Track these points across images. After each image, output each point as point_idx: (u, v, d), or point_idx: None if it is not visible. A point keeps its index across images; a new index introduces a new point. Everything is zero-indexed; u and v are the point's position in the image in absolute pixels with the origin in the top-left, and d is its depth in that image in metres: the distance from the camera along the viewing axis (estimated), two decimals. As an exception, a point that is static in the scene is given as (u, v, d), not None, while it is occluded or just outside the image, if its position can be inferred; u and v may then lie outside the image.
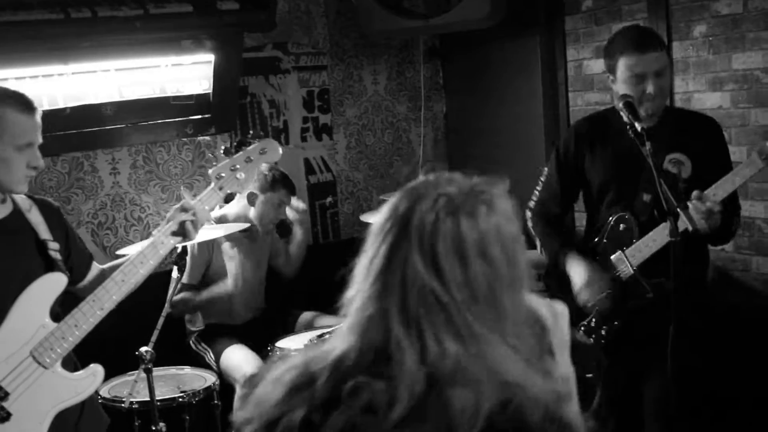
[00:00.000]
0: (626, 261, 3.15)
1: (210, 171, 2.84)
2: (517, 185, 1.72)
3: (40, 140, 2.55)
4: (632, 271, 3.15)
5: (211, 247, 4.14)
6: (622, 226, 3.19)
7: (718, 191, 3.00)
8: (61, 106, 4.17)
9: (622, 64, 3.08)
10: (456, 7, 4.65)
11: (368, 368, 1.29)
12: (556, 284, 3.34)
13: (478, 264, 1.31)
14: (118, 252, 3.66)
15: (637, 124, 2.92)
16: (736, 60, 3.97)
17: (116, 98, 4.34)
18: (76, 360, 2.68)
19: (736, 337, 3.88)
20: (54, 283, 2.58)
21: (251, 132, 2.94)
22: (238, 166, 2.82)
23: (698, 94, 4.13)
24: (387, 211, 1.39)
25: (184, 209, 2.71)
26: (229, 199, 4.28)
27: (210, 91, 4.62)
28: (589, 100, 4.75)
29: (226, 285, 4.13)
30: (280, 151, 2.93)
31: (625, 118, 3.04)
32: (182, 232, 2.70)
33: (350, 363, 1.32)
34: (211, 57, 4.51)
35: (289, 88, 5.11)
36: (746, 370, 3.84)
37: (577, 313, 3.25)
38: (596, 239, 3.26)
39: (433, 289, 1.28)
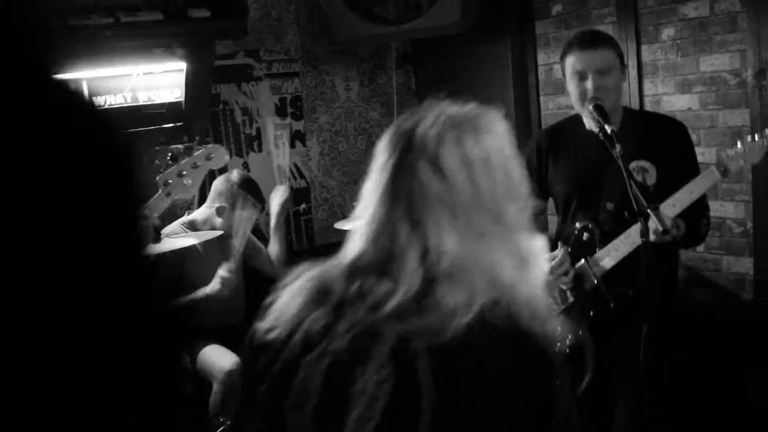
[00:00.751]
0: (589, 270, 3.14)
1: (157, 177, 2.87)
2: None
3: None
4: (594, 282, 3.13)
5: (181, 258, 4.06)
6: (585, 235, 3.17)
7: (676, 204, 2.98)
8: (31, 115, 4.14)
9: (567, 63, 3.13)
10: (427, 13, 4.67)
11: (377, 270, 1.39)
12: None
13: (481, 172, 1.40)
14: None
15: (607, 127, 2.93)
16: (703, 62, 4.01)
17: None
18: None
19: (708, 337, 3.92)
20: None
21: (197, 138, 2.98)
22: (185, 172, 2.86)
23: (667, 97, 4.17)
24: (390, 132, 1.52)
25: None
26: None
27: (182, 99, 4.61)
28: (560, 104, 4.78)
29: (205, 290, 4.08)
30: (227, 157, 2.99)
31: (592, 123, 3.06)
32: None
33: (362, 265, 1.42)
34: (182, 65, 4.50)
35: (262, 96, 5.11)
36: (718, 369, 3.87)
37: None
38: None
39: (438, 192, 1.38)
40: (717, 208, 3.89)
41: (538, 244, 1.53)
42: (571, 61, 3.11)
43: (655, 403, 2.85)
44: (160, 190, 2.84)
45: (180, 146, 2.93)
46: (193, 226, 4.21)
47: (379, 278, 1.38)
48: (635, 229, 3.02)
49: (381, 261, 1.40)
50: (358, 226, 1.47)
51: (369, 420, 1.28)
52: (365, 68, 5.53)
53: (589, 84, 3.06)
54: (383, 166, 1.47)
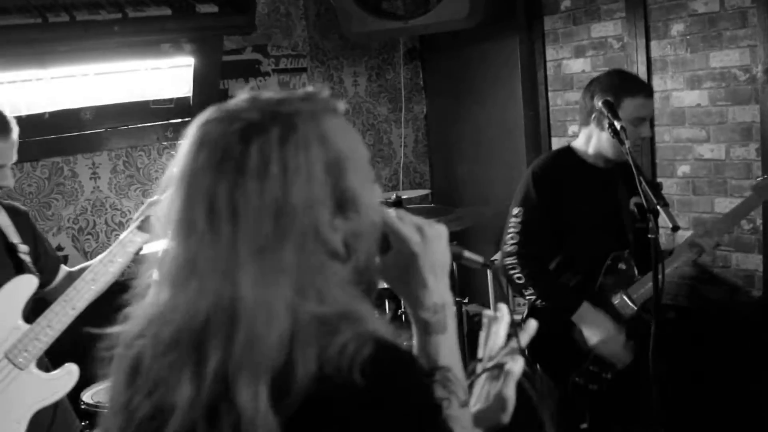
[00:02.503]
0: (628, 301, 3.13)
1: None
2: (498, 184, 1.73)
3: (13, 159, 2.55)
4: (635, 310, 3.13)
5: None
6: (621, 265, 3.16)
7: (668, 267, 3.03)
8: (39, 111, 4.14)
9: (630, 105, 3.08)
10: (435, 8, 4.66)
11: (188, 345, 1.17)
12: (545, 334, 3.28)
13: (259, 210, 1.15)
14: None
15: (616, 123, 2.93)
16: (713, 58, 3.99)
17: (95, 102, 4.32)
18: (47, 361, 2.68)
19: (717, 334, 3.91)
20: (25, 285, 2.59)
21: None
22: None
23: (676, 93, 4.15)
24: (186, 143, 1.26)
25: (150, 206, 2.75)
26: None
27: (190, 94, 4.60)
28: (569, 100, 4.77)
29: None
30: None
31: (583, 147, 3.13)
32: (148, 229, 2.73)
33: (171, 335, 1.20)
34: (190, 60, 4.50)
35: (270, 91, 5.08)
36: (727, 367, 3.86)
37: (572, 360, 3.21)
38: (592, 284, 3.18)
39: (207, 242, 1.17)
40: (726, 205, 3.87)
41: (434, 230, 1.35)
42: (637, 104, 3.10)
43: (665, 402, 2.84)
44: None
45: None
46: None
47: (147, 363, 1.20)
48: (683, 247, 3.11)
49: (178, 322, 1.18)
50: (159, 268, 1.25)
51: None
52: (373, 64, 5.52)
53: (646, 130, 3.14)
54: (176, 182, 1.24)
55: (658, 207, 2.73)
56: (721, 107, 4.00)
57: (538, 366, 3.31)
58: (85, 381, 3.56)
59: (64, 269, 2.89)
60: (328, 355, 1.10)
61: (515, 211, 3.21)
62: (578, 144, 3.28)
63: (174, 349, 1.16)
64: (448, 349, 1.32)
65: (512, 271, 3.18)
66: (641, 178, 2.78)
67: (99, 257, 2.73)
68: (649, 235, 2.71)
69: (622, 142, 2.88)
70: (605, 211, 3.13)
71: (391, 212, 1.33)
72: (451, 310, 1.35)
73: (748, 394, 3.80)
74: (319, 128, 1.22)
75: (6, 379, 2.49)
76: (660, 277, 2.69)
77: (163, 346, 1.17)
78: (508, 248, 3.20)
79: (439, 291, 1.33)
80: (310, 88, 1.30)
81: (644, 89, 3.16)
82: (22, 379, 2.52)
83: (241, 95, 1.30)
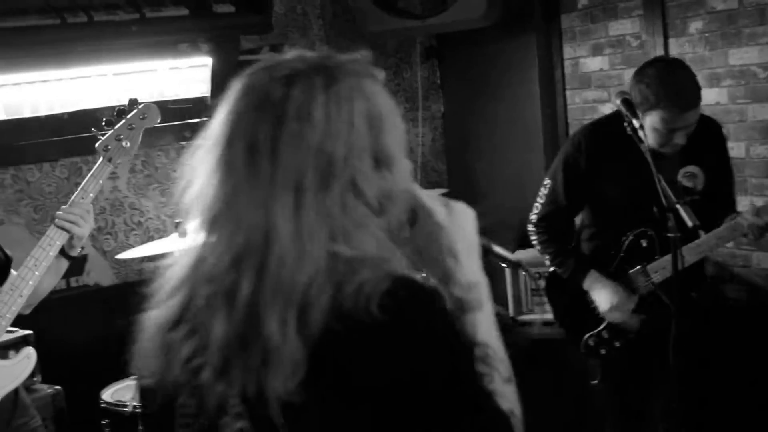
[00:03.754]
0: (647, 276, 3.17)
1: (96, 145, 2.89)
2: (516, 182, 1.74)
3: None
4: (653, 287, 3.18)
5: None
6: (643, 242, 3.18)
7: (701, 247, 3.10)
8: (58, 111, 4.17)
9: (657, 117, 2.94)
10: (452, 6, 4.65)
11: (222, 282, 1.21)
12: (567, 299, 3.38)
13: (292, 152, 1.18)
14: (117, 257, 3.66)
15: (634, 121, 2.91)
16: (732, 56, 3.97)
17: (114, 103, 4.34)
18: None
19: (738, 333, 3.88)
20: None
21: (128, 99, 2.98)
22: (122, 135, 2.88)
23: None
24: (230, 92, 1.32)
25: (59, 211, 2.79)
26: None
27: (207, 94, 4.62)
28: (587, 98, 4.75)
29: None
30: (159, 114, 3.01)
31: (625, 121, 3.02)
32: (64, 228, 2.75)
33: (207, 273, 1.24)
34: (207, 60, 4.51)
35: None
36: (747, 367, 3.84)
37: (588, 325, 3.32)
38: (612, 253, 3.25)
39: (248, 181, 1.20)
40: (746, 204, 3.85)
41: (458, 207, 1.38)
42: (666, 118, 2.93)
43: (684, 400, 2.84)
44: (101, 157, 2.86)
45: (114, 110, 2.93)
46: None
47: (195, 296, 1.23)
48: (707, 236, 3.09)
49: (218, 256, 1.21)
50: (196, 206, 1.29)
51: None
52: (390, 62, 5.52)
53: (679, 138, 3.00)
54: (218, 125, 1.29)
55: (678, 205, 2.72)
56: (741, 105, 3.97)
57: (558, 323, 3.52)
58: (105, 380, 3.60)
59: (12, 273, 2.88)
60: (346, 292, 1.13)
61: (545, 181, 3.35)
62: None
63: (210, 284, 1.19)
64: (486, 327, 1.30)
65: (532, 237, 3.38)
66: (660, 176, 2.78)
67: (23, 263, 2.74)
68: (669, 234, 2.71)
69: (641, 141, 2.87)
70: (642, 186, 2.97)
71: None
72: (485, 289, 1.33)
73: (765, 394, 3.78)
74: (360, 85, 1.26)
75: None
76: (679, 269, 2.71)
77: (202, 285, 1.21)
78: (531, 216, 3.37)
79: (471, 268, 1.32)
80: (357, 54, 1.34)
81: (680, 103, 2.94)
82: None
83: (290, 52, 1.35)
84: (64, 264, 2.84)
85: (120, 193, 4.53)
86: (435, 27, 4.86)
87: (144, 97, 4.39)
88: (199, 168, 1.28)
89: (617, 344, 3.27)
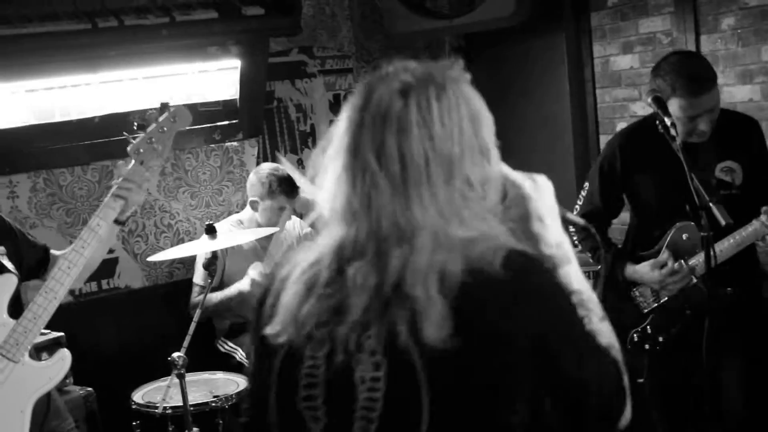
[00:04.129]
0: (689, 270, 3.18)
1: (128, 148, 2.94)
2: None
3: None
4: (695, 281, 3.19)
5: (224, 251, 4.16)
6: (685, 236, 3.20)
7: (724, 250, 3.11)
8: (89, 115, 4.20)
9: (675, 105, 3.04)
10: (480, 6, 4.64)
11: (361, 250, 1.44)
12: (614, 295, 3.38)
13: (441, 127, 1.43)
14: (149, 259, 3.68)
15: (666, 119, 2.90)
16: (765, 52, 3.92)
17: (144, 106, 4.37)
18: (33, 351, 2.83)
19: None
20: (5, 285, 2.74)
21: (160, 102, 3.00)
22: (153, 139, 2.91)
23: (728, 88, 4.08)
24: (348, 105, 1.52)
25: (111, 187, 2.89)
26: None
27: (237, 96, 4.64)
28: (617, 97, 4.71)
29: (238, 285, 4.15)
30: (190, 117, 3.05)
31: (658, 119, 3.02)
32: (121, 195, 2.85)
33: (347, 246, 1.46)
34: (237, 63, 4.53)
35: (316, 92, 5.11)
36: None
37: (635, 319, 3.34)
38: (655, 249, 3.28)
39: (377, 175, 1.42)
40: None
41: (539, 180, 1.64)
42: (683, 106, 3.03)
43: (719, 399, 2.81)
44: (133, 160, 2.90)
45: (145, 114, 2.97)
46: (242, 225, 4.31)
47: (348, 264, 1.44)
48: (745, 230, 3.10)
49: (349, 244, 1.45)
50: (331, 207, 1.49)
51: (372, 409, 1.38)
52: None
53: (702, 124, 3.06)
54: (342, 141, 1.49)
55: (711, 204, 2.70)
56: (774, 102, 3.93)
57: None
58: (136, 382, 3.62)
59: (54, 255, 3.04)
60: (474, 261, 1.36)
61: (585, 184, 3.47)
62: None
63: (360, 258, 1.42)
64: (576, 277, 1.57)
65: (573, 237, 3.35)
66: (692, 175, 2.76)
67: (72, 245, 2.83)
68: (702, 233, 2.69)
69: (673, 139, 2.85)
70: (675, 183, 3.00)
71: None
72: (569, 246, 1.60)
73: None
74: (461, 91, 1.51)
75: (3, 373, 2.64)
76: (712, 264, 2.70)
77: (347, 261, 1.44)
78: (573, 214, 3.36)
79: (555, 230, 1.59)
80: (449, 61, 1.57)
81: (695, 89, 3.03)
82: (18, 371, 2.66)
83: (392, 65, 1.55)
84: (115, 230, 2.98)
85: (150, 195, 4.55)
86: (463, 27, 4.85)
87: (174, 101, 4.43)
88: (328, 174, 1.50)
89: (660, 339, 3.29)
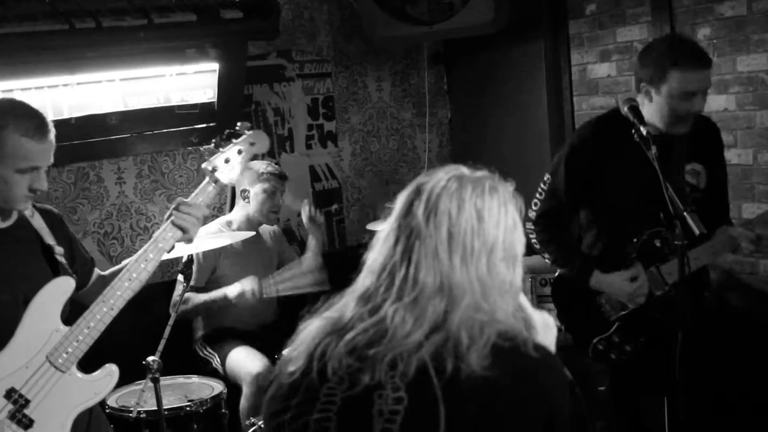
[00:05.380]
0: (660, 278, 3.14)
1: (203, 165, 2.86)
2: (523, 188, 1.76)
3: (49, 162, 2.57)
4: (665, 289, 3.15)
5: (217, 253, 4.16)
6: (657, 242, 3.15)
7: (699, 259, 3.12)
8: (66, 116, 4.17)
9: (676, 79, 2.95)
10: (459, 12, 4.65)
11: (381, 299, 1.58)
12: (574, 303, 3.35)
13: (470, 223, 1.58)
14: (124, 262, 3.66)
15: (642, 128, 2.90)
16: (740, 62, 3.96)
17: (121, 108, 4.35)
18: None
19: (744, 341, 3.86)
20: (63, 287, 2.60)
21: (239, 124, 2.95)
22: (230, 158, 2.85)
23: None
24: (409, 185, 1.67)
25: (179, 205, 2.75)
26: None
27: (214, 99, 4.62)
28: (594, 104, 4.74)
29: (226, 290, 4.13)
30: (268, 142, 2.98)
31: (632, 121, 3.01)
32: (180, 228, 2.73)
33: (368, 295, 1.61)
34: (215, 66, 4.51)
35: (294, 96, 5.11)
36: (755, 374, 3.82)
37: (596, 329, 3.28)
38: (624, 254, 3.21)
39: (426, 232, 1.57)
40: (753, 210, 3.84)
41: (549, 320, 1.73)
42: (687, 78, 2.95)
43: (691, 408, 2.82)
44: (207, 178, 2.84)
45: (224, 133, 2.90)
46: (230, 227, 4.30)
47: (382, 307, 1.57)
48: (720, 237, 3.10)
49: (382, 292, 1.59)
50: (369, 263, 1.66)
51: None
52: (397, 68, 5.52)
53: (698, 103, 3.01)
54: (394, 212, 1.65)
55: (685, 213, 2.71)
56: (749, 112, 3.96)
57: (563, 327, 3.40)
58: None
59: (96, 272, 2.91)
60: (504, 329, 1.53)
61: (545, 177, 3.31)
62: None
63: (395, 302, 1.56)
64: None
65: (530, 236, 3.30)
66: (667, 184, 2.76)
67: (135, 256, 2.74)
68: (676, 242, 2.70)
69: (648, 148, 2.85)
70: (646, 182, 2.96)
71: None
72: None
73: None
74: (509, 198, 1.66)
75: (49, 382, 2.51)
76: (685, 276, 2.70)
77: (378, 305, 1.58)
78: (530, 212, 3.30)
79: None
80: (498, 178, 1.71)
81: (694, 61, 2.97)
82: (64, 381, 2.53)
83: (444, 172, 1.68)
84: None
85: (127, 198, 4.53)
86: (442, 33, 4.87)
87: (151, 103, 4.42)
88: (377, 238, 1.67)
89: (628, 348, 3.24)
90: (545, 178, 3.30)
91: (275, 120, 5.04)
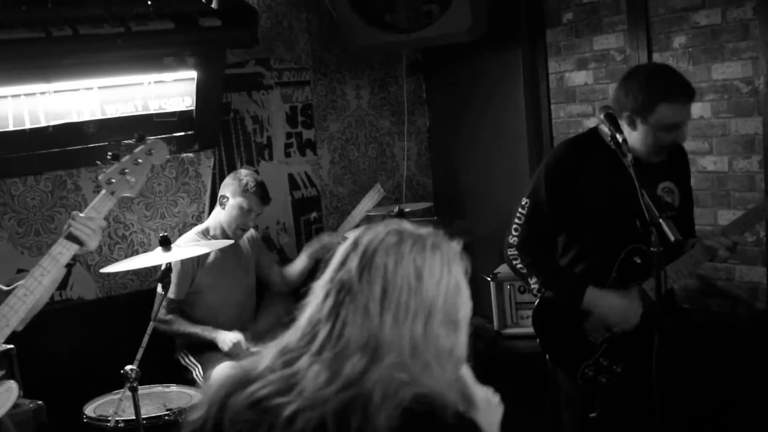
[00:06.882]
0: (645, 294, 3.11)
1: (100, 177, 2.86)
2: (501, 196, 1.78)
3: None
4: (649, 304, 3.10)
5: (195, 262, 4.14)
6: (637, 258, 3.12)
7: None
8: (43, 124, 4.15)
9: (665, 111, 2.97)
10: (437, 21, 4.67)
11: (297, 353, 1.53)
12: (550, 324, 3.32)
13: (407, 281, 1.51)
14: (102, 270, 3.64)
15: (618, 136, 2.91)
16: (715, 70, 4.00)
17: (99, 116, 4.33)
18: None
19: (721, 346, 3.89)
20: None
21: (136, 134, 2.95)
22: (127, 170, 2.84)
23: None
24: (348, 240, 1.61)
25: (75, 218, 2.74)
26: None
27: (193, 107, 4.61)
28: (572, 112, 4.77)
29: (219, 340, 4.11)
30: (167, 152, 2.99)
31: (606, 130, 3.03)
32: (76, 239, 2.71)
33: (287, 349, 1.56)
34: (193, 74, 4.50)
35: (272, 104, 5.11)
36: (731, 379, 3.85)
37: (583, 352, 3.24)
38: (604, 273, 3.17)
39: (358, 288, 1.51)
40: (729, 217, 3.87)
41: (494, 400, 1.69)
42: (673, 111, 2.98)
43: (668, 414, 2.83)
44: (104, 190, 2.82)
45: (121, 144, 2.90)
46: (207, 234, 4.29)
47: (298, 361, 1.51)
48: (698, 249, 3.10)
49: (302, 346, 1.53)
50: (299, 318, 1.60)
51: None
52: (376, 76, 5.53)
53: (681, 134, 3.05)
54: (330, 266, 1.59)
55: (660, 220, 2.73)
56: (724, 119, 4.00)
57: (547, 356, 3.36)
58: (88, 395, 3.58)
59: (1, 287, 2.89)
60: (424, 392, 1.45)
61: (524, 201, 3.24)
62: (605, 127, 3.06)
63: (314, 356, 1.51)
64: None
65: (514, 261, 3.23)
66: (643, 191, 2.78)
67: (31, 271, 2.71)
68: (652, 249, 2.71)
69: (624, 155, 2.87)
70: (626, 199, 2.92)
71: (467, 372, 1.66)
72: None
73: (751, 407, 3.79)
74: (453, 258, 1.58)
75: None
76: (663, 288, 2.70)
77: (295, 358, 1.53)
78: (511, 239, 3.24)
79: None
80: (442, 236, 1.62)
81: (683, 95, 3.01)
82: None
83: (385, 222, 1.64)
84: (62, 274, 2.83)
85: (104, 206, 4.51)
86: (421, 41, 4.88)
87: (129, 111, 4.40)
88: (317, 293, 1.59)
89: (618, 369, 3.20)
90: (523, 203, 3.24)
91: (254, 128, 5.03)
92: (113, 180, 2.82)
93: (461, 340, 1.56)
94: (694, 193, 3.47)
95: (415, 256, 1.53)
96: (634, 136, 3.06)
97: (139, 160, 2.85)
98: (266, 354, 1.57)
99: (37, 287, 2.65)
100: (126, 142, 2.92)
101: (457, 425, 1.44)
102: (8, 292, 2.76)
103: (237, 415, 1.49)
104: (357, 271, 1.52)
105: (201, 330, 4.15)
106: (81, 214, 2.76)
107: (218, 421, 1.51)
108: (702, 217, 4.08)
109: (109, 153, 2.91)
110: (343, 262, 1.56)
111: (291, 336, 1.57)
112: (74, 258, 2.79)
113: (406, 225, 1.61)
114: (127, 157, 2.86)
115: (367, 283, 1.50)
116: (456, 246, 1.62)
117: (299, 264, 4.57)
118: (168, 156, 2.98)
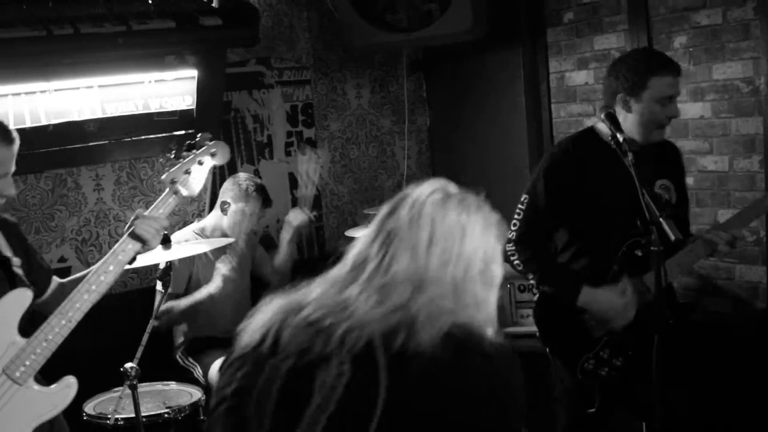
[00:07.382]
0: (645, 287, 3.11)
1: (163, 177, 2.83)
2: (502, 196, 1.80)
3: (12, 169, 2.55)
4: (650, 298, 3.07)
5: (192, 257, 4.15)
6: (638, 252, 3.06)
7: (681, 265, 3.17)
8: (43, 123, 4.15)
9: (657, 84, 3.05)
10: (438, 20, 4.67)
11: (346, 282, 1.65)
12: (550, 318, 3.32)
13: (450, 234, 1.62)
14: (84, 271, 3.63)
15: (619, 135, 2.92)
16: (716, 70, 4.00)
17: (99, 115, 4.32)
18: (40, 376, 2.65)
19: (721, 346, 3.90)
20: (20, 300, 2.57)
21: (199, 135, 2.92)
22: (190, 170, 2.82)
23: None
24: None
25: (139, 217, 2.73)
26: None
27: (193, 106, 4.61)
28: (572, 112, 4.77)
29: (208, 288, 4.12)
30: (229, 153, 2.96)
31: (605, 129, 3.04)
32: (140, 239, 2.71)
33: (336, 279, 1.67)
34: (194, 73, 4.50)
35: (273, 103, 5.11)
36: (731, 379, 3.85)
37: (583, 345, 3.24)
38: (606, 267, 3.18)
39: (405, 233, 1.63)
40: (728, 217, 3.86)
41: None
42: (666, 83, 3.06)
43: (668, 413, 2.83)
44: (167, 189, 2.81)
45: (184, 144, 2.87)
46: (203, 233, 4.29)
47: (347, 290, 1.63)
48: (699, 244, 3.11)
49: (351, 278, 1.65)
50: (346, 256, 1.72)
51: (324, 410, 1.51)
52: (376, 75, 5.53)
53: (674, 109, 3.11)
54: (378, 216, 1.71)
55: (661, 219, 2.73)
56: (725, 119, 4.00)
57: (548, 350, 3.36)
58: (87, 393, 3.58)
59: (56, 280, 2.88)
60: (464, 322, 1.58)
61: (523, 197, 3.26)
62: (603, 126, 3.13)
63: (365, 284, 1.63)
64: None
65: (512, 257, 3.24)
66: (644, 191, 2.78)
67: (93, 267, 2.71)
68: (652, 248, 2.71)
69: (625, 154, 2.87)
70: (625, 197, 2.95)
71: None
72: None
73: (750, 406, 3.79)
74: (492, 220, 1.71)
75: (5, 395, 2.47)
76: (663, 284, 2.70)
77: (345, 287, 1.66)
78: (509, 234, 3.25)
79: None
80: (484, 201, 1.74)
81: (673, 67, 3.10)
82: (21, 395, 2.49)
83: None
84: (122, 270, 2.81)
85: (105, 204, 4.51)
86: (421, 41, 4.89)
87: (129, 109, 4.40)
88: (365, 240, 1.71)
89: (618, 363, 3.19)
90: (522, 199, 3.26)
91: (254, 127, 5.04)
92: (176, 180, 2.80)
93: (492, 299, 1.67)
94: (694, 192, 3.47)
95: (461, 212, 1.64)
96: (630, 120, 3.11)
97: (202, 161, 2.84)
98: (315, 286, 1.68)
99: (101, 284, 2.65)
100: (189, 141, 2.90)
101: (495, 353, 1.56)
102: (66, 286, 2.77)
103: (294, 333, 1.60)
104: (406, 219, 1.63)
105: (197, 294, 4.14)
106: (145, 213, 2.75)
107: (276, 339, 1.61)
108: (702, 216, 4.09)
109: (173, 151, 2.89)
110: (392, 212, 1.67)
111: (339, 270, 1.68)
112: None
113: (451, 186, 1.71)
114: (191, 157, 2.84)
115: (416, 230, 1.61)
116: (495, 214, 1.72)
117: (282, 253, 4.56)
118: (229, 158, 2.96)
